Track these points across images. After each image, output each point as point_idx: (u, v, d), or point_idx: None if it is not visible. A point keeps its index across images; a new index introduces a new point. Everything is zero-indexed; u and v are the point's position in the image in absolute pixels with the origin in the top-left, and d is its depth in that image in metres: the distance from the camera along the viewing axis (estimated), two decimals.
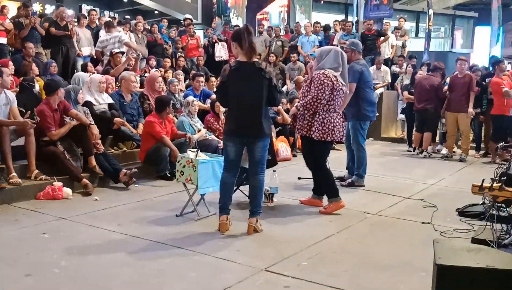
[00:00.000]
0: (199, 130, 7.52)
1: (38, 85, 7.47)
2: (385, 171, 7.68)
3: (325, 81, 5.14)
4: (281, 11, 23.80)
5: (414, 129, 9.69)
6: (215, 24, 14.99)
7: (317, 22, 14.06)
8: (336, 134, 5.26)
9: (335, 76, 5.21)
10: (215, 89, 8.13)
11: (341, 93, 5.28)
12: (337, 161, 7.43)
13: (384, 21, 13.79)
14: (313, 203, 5.53)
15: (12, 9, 11.47)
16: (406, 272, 3.75)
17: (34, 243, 4.22)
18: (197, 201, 5.17)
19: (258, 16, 22.69)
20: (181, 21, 16.71)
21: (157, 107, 7.01)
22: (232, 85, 4.46)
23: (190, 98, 7.72)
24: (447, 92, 9.18)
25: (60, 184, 5.70)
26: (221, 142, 6.15)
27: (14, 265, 3.74)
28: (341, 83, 5.27)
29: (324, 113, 5.20)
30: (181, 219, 4.99)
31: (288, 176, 6.41)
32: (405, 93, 10.10)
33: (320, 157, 5.39)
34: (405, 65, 11.86)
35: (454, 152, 9.28)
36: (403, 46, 13.38)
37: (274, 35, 13.90)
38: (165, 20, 14.58)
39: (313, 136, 5.23)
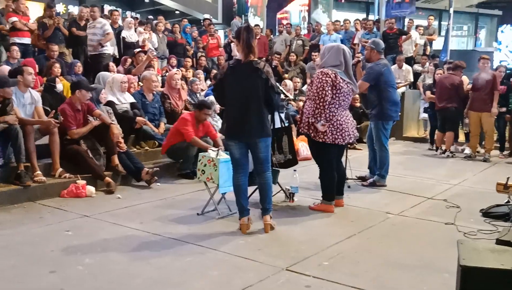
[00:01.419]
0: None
1: (61, 85, 7.58)
2: (407, 171, 7.60)
3: (323, 78, 5.02)
4: (301, 10, 23.75)
5: (437, 129, 9.57)
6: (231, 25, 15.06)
7: (337, 21, 14.00)
8: (345, 136, 5.12)
9: (335, 74, 5.07)
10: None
11: (345, 91, 5.11)
12: (358, 161, 7.40)
13: (408, 19, 13.65)
14: (336, 204, 5.46)
15: (36, 10, 11.69)
16: (429, 273, 3.72)
17: (58, 240, 4.28)
18: (218, 200, 5.20)
19: (279, 15, 22.64)
20: (201, 21, 16.79)
21: (197, 106, 6.96)
22: (228, 83, 4.44)
23: (212, 97, 7.74)
24: (470, 91, 9.07)
25: (84, 182, 5.78)
26: None
27: (39, 261, 3.81)
28: (342, 80, 5.10)
29: (330, 113, 5.08)
30: (202, 218, 5.01)
31: (309, 175, 6.38)
32: (428, 92, 9.99)
33: (324, 158, 5.26)
34: (427, 64, 11.72)
35: (477, 152, 9.15)
36: (425, 44, 13.23)
37: (294, 34, 13.88)
38: (185, 20, 14.67)
39: (316, 138, 5.13)
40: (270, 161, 4.64)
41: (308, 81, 12.00)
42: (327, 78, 5.02)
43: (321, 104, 5.01)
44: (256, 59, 4.44)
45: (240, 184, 4.57)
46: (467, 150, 9.25)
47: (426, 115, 10.64)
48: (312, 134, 5.17)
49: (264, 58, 11.30)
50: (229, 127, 4.54)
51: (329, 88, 5.01)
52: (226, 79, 4.46)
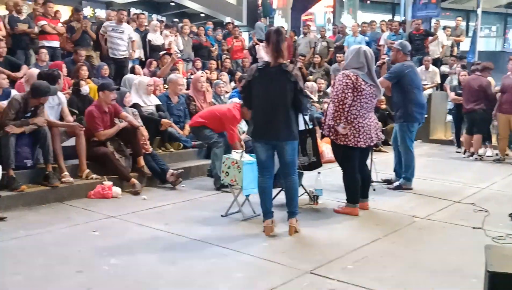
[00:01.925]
0: (244, 132, 7.54)
1: (87, 88, 7.68)
2: (434, 174, 7.49)
3: (343, 81, 4.96)
4: (326, 12, 23.69)
5: (464, 131, 9.42)
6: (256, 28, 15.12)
7: (364, 22, 13.90)
8: (366, 139, 5.07)
9: (356, 76, 4.99)
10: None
11: (367, 93, 5.02)
12: (384, 164, 7.32)
13: (434, 20, 13.47)
14: (361, 207, 5.41)
15: (64, 13, 11.87)
16: (456, 278, 3.66)
17: (85, 240, 4.35)
18: (242, 202, 5.20)
19: (303, 17, 22.64)
20: (224, 24, 16.89)
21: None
22: (256, 85, 4.43)
23: (236, 100, 7.75)
24: (498, 93, 8.89)
25: (110, 183, 5.86)
26: None
27: (66, 261, 3.87)
28: (364, 82, 5.01)
29: (351, 116, 5.02)
30: (226, 220, 5.03)
31: (333, 177, 6.34)
32: (452, 94, 9.86)
33: (346, 161, 5.22)
34: (455, 65, 11.56)
35: (506, 155, 8.96)
36: (452, 45, 13.03)
37: (319, 35, 13.84)
38: (210, 23, 14.78)
39: (338, 140, 5.09)
40: (296, 164, 4.63)
41: (332, 82, 11.97)
42: (347, 81, 4.97)
43: (340, 106, 4.97)
44: (285, 62, 4.42)
45: (265, 186, 4.56)
46: (489, 152, 9.09)
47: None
48: (333, 137, 5.14)
49: (289, 60, 11.30)
50: (256, 128, 4.52)
51: (349, 91, 4.96)
52: (254, 81, 4.44)
